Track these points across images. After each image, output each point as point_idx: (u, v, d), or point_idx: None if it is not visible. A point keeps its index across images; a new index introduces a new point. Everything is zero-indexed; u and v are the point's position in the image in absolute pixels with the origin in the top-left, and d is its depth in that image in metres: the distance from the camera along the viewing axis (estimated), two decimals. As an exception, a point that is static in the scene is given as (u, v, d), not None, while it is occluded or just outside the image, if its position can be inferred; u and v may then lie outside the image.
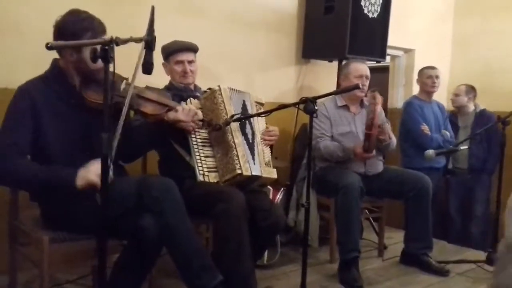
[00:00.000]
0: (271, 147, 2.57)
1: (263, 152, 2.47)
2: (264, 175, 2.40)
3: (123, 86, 1.93)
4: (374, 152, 2.82)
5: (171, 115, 2.08)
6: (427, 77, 3.79)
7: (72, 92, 1.87)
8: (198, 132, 2.30)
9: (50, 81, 1.89)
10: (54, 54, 1.89)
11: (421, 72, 3.87)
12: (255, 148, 2.40)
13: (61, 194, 1.78)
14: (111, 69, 1.45)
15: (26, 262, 2.05)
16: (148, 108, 2.00)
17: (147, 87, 2.15)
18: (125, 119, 1.66)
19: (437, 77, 3.79)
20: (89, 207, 1.72)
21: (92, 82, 1.85)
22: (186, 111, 2.10)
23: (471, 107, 4.03)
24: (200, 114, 2.17)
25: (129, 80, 1.98)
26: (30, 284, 2.35)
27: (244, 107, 2.43)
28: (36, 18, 2.48)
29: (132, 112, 2.15)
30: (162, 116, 2.06)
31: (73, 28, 1.80)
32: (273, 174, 2.48)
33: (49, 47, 1.32)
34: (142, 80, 1.84)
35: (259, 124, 2.53)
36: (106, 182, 1.47)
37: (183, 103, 2.20)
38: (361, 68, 3.04)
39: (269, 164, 2.49)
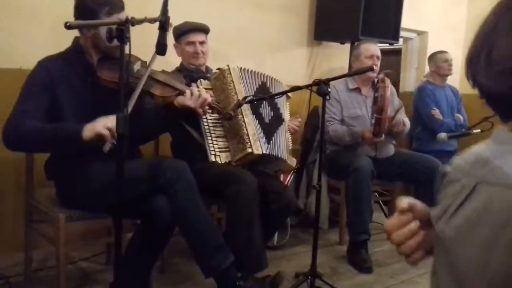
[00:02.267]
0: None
1: (288, 140, 2.51)
2: (288, 161, 2.45)
3: (137, 67, 1.94)
4: (383, 136, 2.81)
5: (180, 99, 2.05)
6: (443, 61, 3.77)
7: (89, 70, 1.89)
8: (209, 112, 2.30)
9: (69, 58, 1.91)
10: (68, 35, 1.90)
11: (434, 56, 3.83)
12: (278, 131, 2.41)
13: (70, 149, 1.79)
14: (127, 49, 1.45)
15: (42, 240, 2.09)
16: (158, 90, 1.99)
17: (163, 71, 2.15)
18: (138, 100, 1.67)
19: (452, 60, 3.79)
20: (104, 186, 1.75)
21: (108, 61, 1.86)
22: (195, 97, 2.05)
23: None
24: (209, 99, 2.11)
25: (145, 62, 1.98)
26: (45, 261, 2.40)
27: (263, 88, 2.42)
28: (51, 0, 2.48)
29: None
30: (172, 99, 2.04)
31: (92, 4, 1.81)
32: (293, 162, 2.51)
33: (68, 26, 1.32)
34: (156, 61, 1.83)
35: (286, 113, 2.54)
36: (122, 161, 1.49)
37: (193, 87, 2.17)
38: (372, 48, 3.02)
39: (290, 152, 2.51)
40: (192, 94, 2.05)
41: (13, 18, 2.41)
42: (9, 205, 2.43)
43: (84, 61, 1.92)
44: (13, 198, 2.41)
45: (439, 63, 3.79)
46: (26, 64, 1.96)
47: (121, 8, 1.87)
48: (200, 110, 2.13)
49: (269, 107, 2.43)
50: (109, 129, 1.65)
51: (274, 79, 2.52)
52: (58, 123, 1.82)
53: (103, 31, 1.74)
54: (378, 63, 3.00)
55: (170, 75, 2.15)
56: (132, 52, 1.56)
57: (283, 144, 2.43)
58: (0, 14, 2.37)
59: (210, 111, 2.20)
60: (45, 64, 1.87)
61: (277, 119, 2.44)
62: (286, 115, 2.54)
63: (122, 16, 1.80)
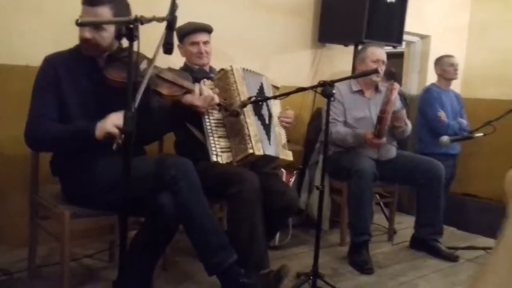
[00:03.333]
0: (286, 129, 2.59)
1: (280, 134, 2.49)
2: (281, 156, 2.42)
3: (143, 65, 1.95)
4: (385, 139, 2.83)
5: (188, 98, 2.07)
6: (450, 65, 3.81)
7: (96, 67, 1.90)
8: (211, 113, 2.31)
9: (76, 55, 1.93)
10: (75, 32, 1.92)
11: (441, 60, 3.86)
12: (272, 130, 2.42)
13: (84, 147, 1.83)
14: (135, 48, 1.46)
15: (46, 236, 2.11)
16: (165, 89, 2.00)
17: (169, 69, 2.16)
18: (144, 99, 1.68)
19: (457, 65, 3.83)
20: (109, 184, 1.76)
21: (115, 60, 1.88)
22: (204, 97, 2.08)
23: None
24: (217, 99, 2.14)
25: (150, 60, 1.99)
26: (49, 257, 2.41)
27: (261, 89, 2.44)
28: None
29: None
30: (179, 97, 2.05)
31: None
32: (289, 156, 2.50)
33: (79, 23, 1.34)
34: (160, 62, 1.85)
35: (276, 106, 2.54)
36: (129, 159, 1.50)
37: (198, 84, 2.18)
38: (378, 52, 3.03)
39: (285, 146, 2.51)
40: (200, 93, 2.06)
41: (20, 15, 2.42)
42: (15, 201, 2.45)
43: (91, 58, 1.93)
44: (18, 195, 2.43)
45: (445, 67, 3.82)
46: (33, 61, 1.98)
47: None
48: (204, 110, 2.16)
49: (267, 107, 2.45)
50: (118, 127, 1.68)
51: (263, 76, 2.52)
52: (72, 124, 1.85)
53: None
54: (383, 67, 3.02)
55: (177, 73, 2.16)
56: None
57: (277, 140, 2.44)
58: (7, 11, 2.39)
59: (217, 108, 2.22)
60: (52, 60, 1.89)
61: (270, 117, 2.45)
62: (275, 108, 2.52)
63: None
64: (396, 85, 2.71)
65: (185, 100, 2.06)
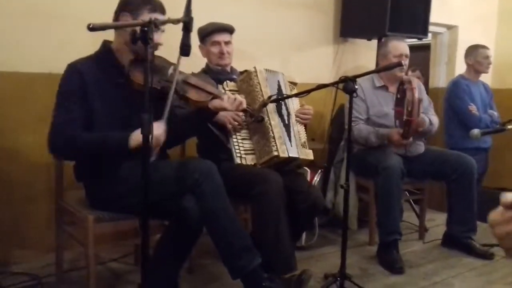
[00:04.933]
0: (305, 127, 2.53)
1: (299, 132, 2.44)
2: (301, 156, 2.38)
3: (170, 71, 1.94)
4: (411, 138, 2.74)
5: (216, 102, 2.02)
6: (484, 57, 3.63)
7: (121, 71, 1.90)
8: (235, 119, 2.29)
9: (100, 60, 1.93)
10: (99, 38, 1.93)
11: (476, 50, 3.66)
12: (291, 129, 2.37)
13: (114, 155, 1.84)
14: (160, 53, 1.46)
15: (72, 241, 2.13)
16: (194, 95, 1.99)
17: (193, 74, 2.15)
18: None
19: (491, 57, 3.67)
20: (133, 188, 1.76)
21: (141, 65, 1.87)
22: (232, 100, 2.04)
23: None
24: (244, 104, 2.09)
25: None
26: (76, 262, 2.44)
27: (279, 88, 2.41)
28: (81, 3, 2.52)
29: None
30: (207, 103, 2.03)
31: (135, 1, 1.85)
32: (309, 155, 2.44)
33: (91, 28, 1.33)
34: (182, 64, 1.84)
35: (294, 104, 2.50)
36: (148, 161, 1.49)
37: (222, 90, 2.15)
38: (401, 46, 2.94)
39: (305, 145, 2.45)
40: (229, 97, 2.04)
41: (43, 22, 2.45)
42: (41, 208, 2.48)
43: (115, 62, 1.93)
44: (44, 201, 2.46)
45: (479, 58, 3.64)
46: (56, 69, 1.98)
47: (163, 11, 1.89)
48: (230, 126, 2.23)
49: (285, 106, 2.40)
50: (156, 138, 1.69)
51: (280, 73, 2.48)
52: (104, 133, 1.84)
53: None
54: (407, 61, 2.93)
55: (202, 79, 2.14)
56: (156, 54, 1.57)
57: (296, 139, 2.39)
58: (30, 19, 2.42)
59: (242, 114, 2.20)
60: (77, 67, 1.88)
61: (289, 116, 2.40)
62: (292, 106, 2.47)
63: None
64: (415, 81, 2.62)
65: (213, 105, 2.02)
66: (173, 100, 1.85)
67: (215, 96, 2.04)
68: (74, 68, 1.88)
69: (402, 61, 2.77)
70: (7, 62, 2.38)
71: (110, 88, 1.90)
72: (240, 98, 2.07)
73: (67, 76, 1.88)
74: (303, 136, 2.48)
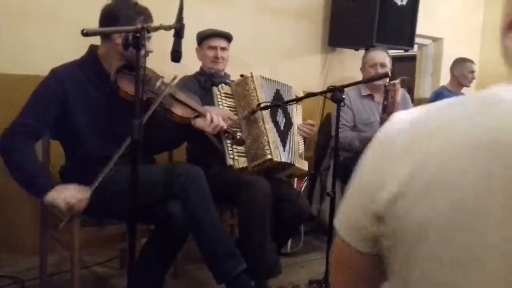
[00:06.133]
0: (304, 140, 2.57)
1: (298, 143, 2.48)
2: (296, 164, 2.41)
3: (158, 83, 1.95)
4: None
5: (198, 122, 2.06)
6: (470, 71, 3.73)
7: (106, 79, 1.90)
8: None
9: (85, 67, 1.92)
10: (87, 42, 1.92)
11: (463, 63, 3.75)
12: (288, 137, 2.40)
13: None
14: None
15: (57, 244, 2.11)
16: (179, 110, 2.01)
17: (181, 84, 2.16)
18: (155, 114, 1.68)
19: (475, 72, 3.77)
20: (119, 192, 1.76)
21: (129, 73, 1.87)
22: (214, 125, 2.07)
23: None
24: (225, 126, 2.13)
25: (165, 79, 2.00)
26: (60, 265, 2.42)
27: (277, 96, 2.43)
28: (72, 6, 2.52)
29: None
30: (190, 120, 2.06)
31: (127, 12, 1.84)
32: (304, 166, 2.48)
33: (85, 33, 1.34)
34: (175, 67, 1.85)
35: (297, 116, 2.53)
36: (137, 169, 1.49)
37: (209, 112, 2.12)
38: (377, 56, 2.99)
39: (301, 156, 2.49)
40: (211, 121, 2.06)
41: (32, 25, 2.44)
42: (26, 210, 2.46)
43: (101, 70, 1.93)
44: (29, 203, 2.43)
45: (465, 72, 3.73)
46: (44, 71, 1.98)
47: (152, 21, 1.89)
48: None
49: (282, 114, 2.43)
50: (70, 206, 1.69)
51: (286, 85, 2.52)
52: (40, 168, 1.82)
53: None
54: (383, 70, 2.96)
55: (189, 95, 2.16)
56: (148, 59, 1.58)
57: (294, 148, 2.42)
58: (19, 21, 2.41)
59: (226, 135, 2.22)
60: (58, 73, 1.87)
61: (288, 124, 2.43)
62: (296, 118, 2.52)
63: None
64: (398, 86, 2.66)
65: (195, 124, 2.05)
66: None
67: (199, 115, 2.06)
68: (55, 76, 1.87)
69: (375, 71, 2.86)
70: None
71: (94, 94, 1.89)
72: (222, 122, 2.10)
73: (46, 81, 1.87)
74: (301, 147, 2.52)
